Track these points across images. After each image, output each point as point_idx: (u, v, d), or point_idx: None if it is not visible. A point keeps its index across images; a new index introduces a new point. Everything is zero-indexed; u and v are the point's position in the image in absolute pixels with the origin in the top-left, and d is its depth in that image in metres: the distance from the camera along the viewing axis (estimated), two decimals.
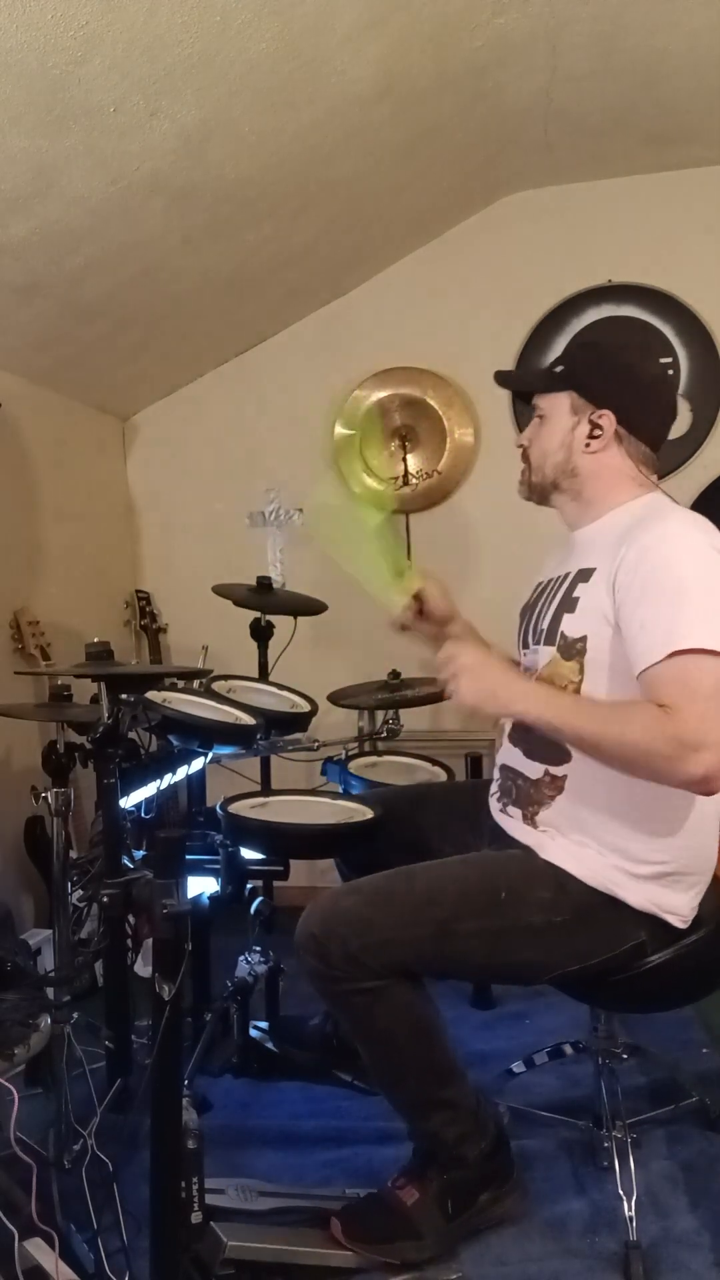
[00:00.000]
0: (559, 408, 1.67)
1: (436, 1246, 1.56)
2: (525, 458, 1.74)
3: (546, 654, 1.61)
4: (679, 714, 1.35)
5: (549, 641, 1.61)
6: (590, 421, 1.63)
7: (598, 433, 1.63)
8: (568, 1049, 2.03)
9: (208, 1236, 1.48)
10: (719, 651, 1.36)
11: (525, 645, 1.73)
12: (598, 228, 3.23)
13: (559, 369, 1.70)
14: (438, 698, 2.69)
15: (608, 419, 1.62)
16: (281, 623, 2.93)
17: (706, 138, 2.96)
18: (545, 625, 1.64)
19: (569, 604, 1.59)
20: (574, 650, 1.56)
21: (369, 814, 1.83)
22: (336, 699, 2.57)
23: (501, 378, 1.88)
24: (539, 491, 1.73)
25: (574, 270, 3.25)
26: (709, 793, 1.38)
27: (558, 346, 3.26)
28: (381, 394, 3.40)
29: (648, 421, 1.65)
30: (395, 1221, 1.57)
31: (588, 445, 1.63)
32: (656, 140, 2.97)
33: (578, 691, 1.55)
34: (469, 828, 1.77)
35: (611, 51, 2.43)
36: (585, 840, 1.54)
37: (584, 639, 1.54)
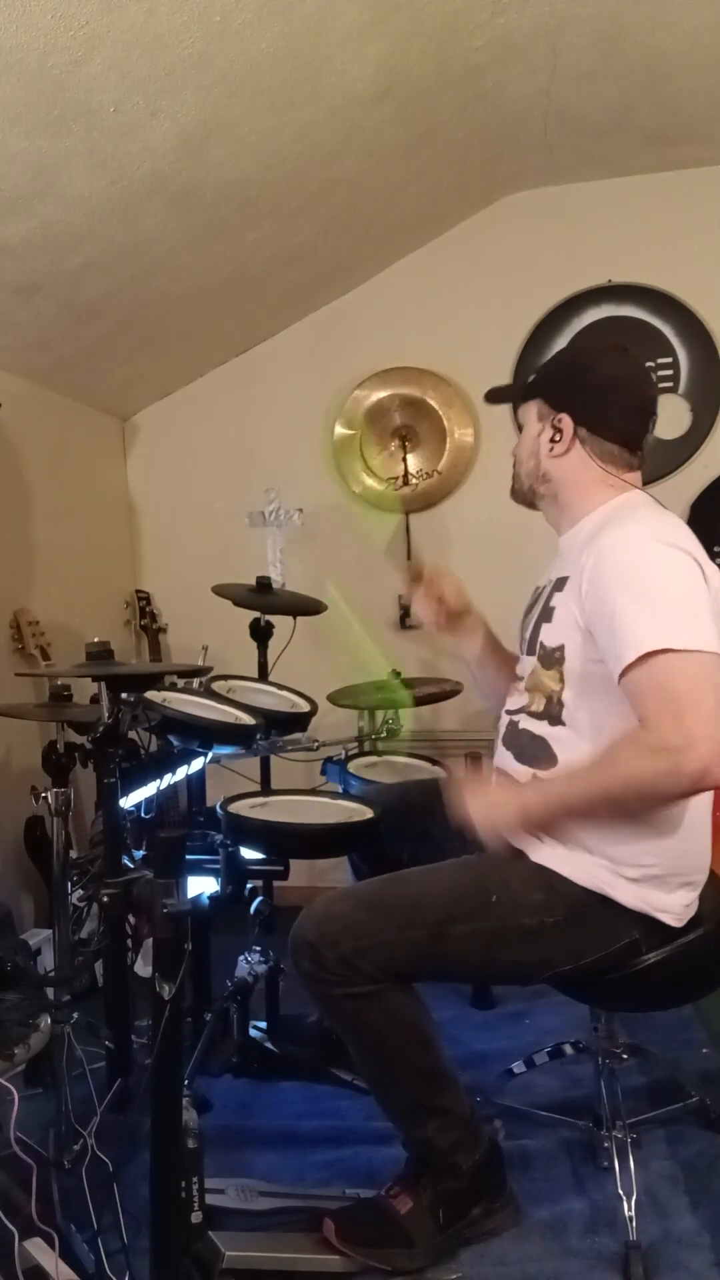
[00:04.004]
0: (530, 416, 1.72)
1: (427, 1256, 1.56)
2: (515, 465, 1.78)
3: (529, 664, 1.66)
4: (656, 723, 1.37)
5: (530, 651, 1.67)
6: (552, 426, 1.67)
7: (557, 436, 1.66)
8: (568, 1049, 2.03)
9: (205, 1246, 1.47)
10: (684, 649, 1.38)
11: (520, 653, 1.76)
12: (598, 228, 3.23)
13: (531, 378, 1.76)
14: (437, 698, 2.70)
15: (565, 421, 1.65)
16: (281, 623, 2.93)
17: (706, 138, 2.96)
18: (529, 635, 1.69)
19: (547, 614, 1.63)
20: (553, 659, 1.59)
21: (369, 813, 1.83)
22: (336, 699, 2.57)
23: (490, 395, 1.92)
24: (521, 498, 1.78)
25: (574, 270, 3.25)
26: (717, 785, 1.39)
27: (558, 347, 3.26)
28: (381, 394, 3.39)
29: (610, 419, 1.65)
30: (388, 1228, 1.57)
31: (551, 450, 1.67)
32: (656, 140, 2.96)
33: (559, 701, 1.57)
34: None
35: (611, 51, 2.43)
36: (574, 843, 1.55)
37: (561, 647, 1.58)
